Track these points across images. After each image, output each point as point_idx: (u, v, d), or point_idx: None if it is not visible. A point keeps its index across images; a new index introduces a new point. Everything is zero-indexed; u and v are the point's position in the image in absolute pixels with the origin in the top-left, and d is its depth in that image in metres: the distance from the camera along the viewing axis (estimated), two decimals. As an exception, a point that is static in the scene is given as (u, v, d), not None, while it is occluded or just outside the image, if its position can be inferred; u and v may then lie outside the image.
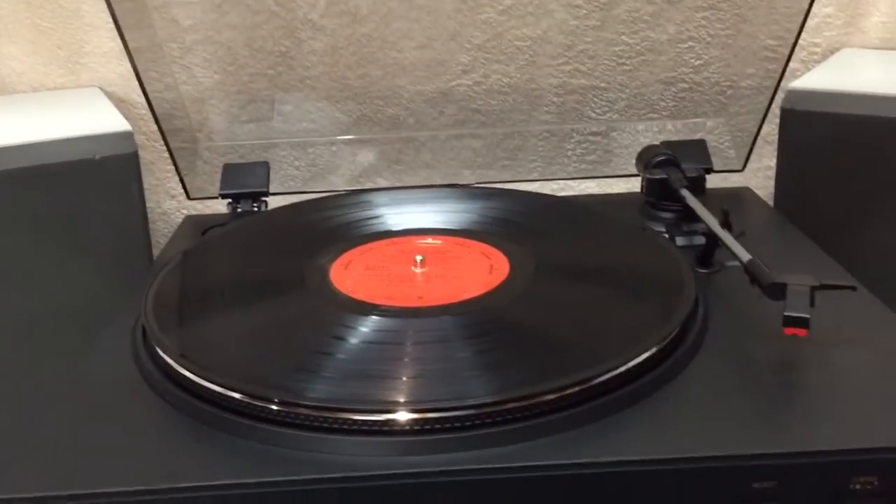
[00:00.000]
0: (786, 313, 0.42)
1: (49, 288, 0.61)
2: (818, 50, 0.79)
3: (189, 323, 0.49)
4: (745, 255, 0.48)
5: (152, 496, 0.37)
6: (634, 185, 0.84)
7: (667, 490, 0.38)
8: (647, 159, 0.64)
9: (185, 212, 0.83)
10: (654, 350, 0.43)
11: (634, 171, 0.77)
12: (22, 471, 0.38)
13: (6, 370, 0.61)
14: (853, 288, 0.46)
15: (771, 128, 0.76)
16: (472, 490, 0.37)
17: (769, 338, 0.46)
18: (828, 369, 0.44)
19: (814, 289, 0.43)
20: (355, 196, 0.65)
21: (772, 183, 0.79)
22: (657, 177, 0.62)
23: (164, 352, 0.44)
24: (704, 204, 0.61)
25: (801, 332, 0.42)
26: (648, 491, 0.38)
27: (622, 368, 0.41)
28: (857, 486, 0.38)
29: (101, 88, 0.76)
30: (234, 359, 0.45)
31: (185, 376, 0.43)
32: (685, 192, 0.59)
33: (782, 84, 0.70)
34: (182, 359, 0.43)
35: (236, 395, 0.41)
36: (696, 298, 0.48)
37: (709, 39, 0.76)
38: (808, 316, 0.42)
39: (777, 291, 0.44)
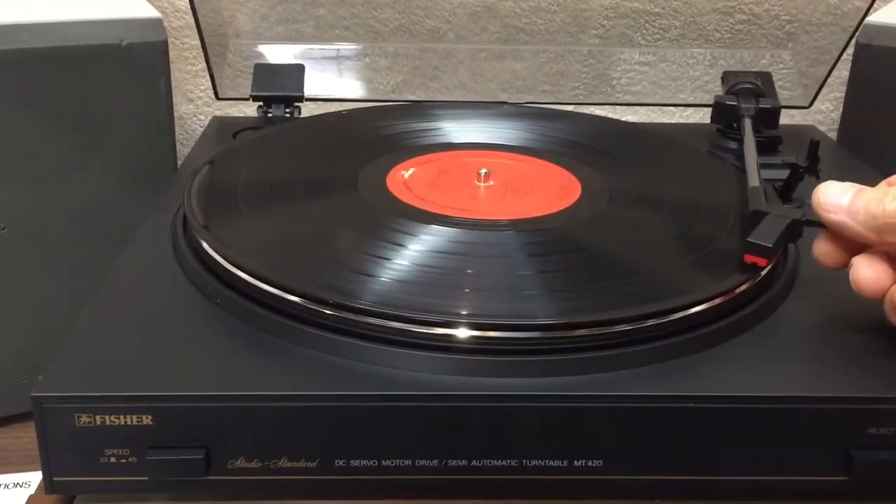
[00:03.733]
0: (748, 239, 0.39)
1: (65, 184, 0.56)
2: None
3: (235, 222, 0.44)
4: (755, 181, 0.45)
5: (201, 402, 0.33)
6: (677, 117, 0.81)
7: (772, 430, 0.34)
8: (733, 83, 0.59)
9: (202, 118, 0.78)
10: (746, 286, 0.39)
11: (680, 102, 0.74)
12: (75, 370, 0.34)
13: (22, 271, 0.56)
14: None
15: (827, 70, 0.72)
16: (558, 418, 0.34)
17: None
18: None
19: (794, 222, 0.40)
20: (409, 108, 0.60)
21: (825, 128, 0.76)
22: (728, 101, 0.57)
23: (215, 250, 0.40)
24: (780, 138, 0.57)
25: (762, 261, 0.39)
26: (753, 430, 0.34)
27: (705, 305, 0.38)
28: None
29: (121, -24, 0.70)
30: (286, 259, 0.41)
31: (238, 276, 0.38)
32: (747, 122, 0.55)
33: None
34: (238, 258, 0.39)
35: (292, 298, 0.37)
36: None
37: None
38: (769, 245, 0.39)
39: (756, 219, 0.41)
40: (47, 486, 0.34)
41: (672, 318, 0.36)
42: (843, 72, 0.72)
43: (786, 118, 0.76)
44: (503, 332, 0.35)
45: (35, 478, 0.51)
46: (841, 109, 0.72)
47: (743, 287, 0.38)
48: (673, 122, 0.81)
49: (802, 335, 0.39)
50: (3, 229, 0.55)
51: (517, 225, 0.43)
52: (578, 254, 0.42)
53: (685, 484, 0.35)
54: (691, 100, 0.77)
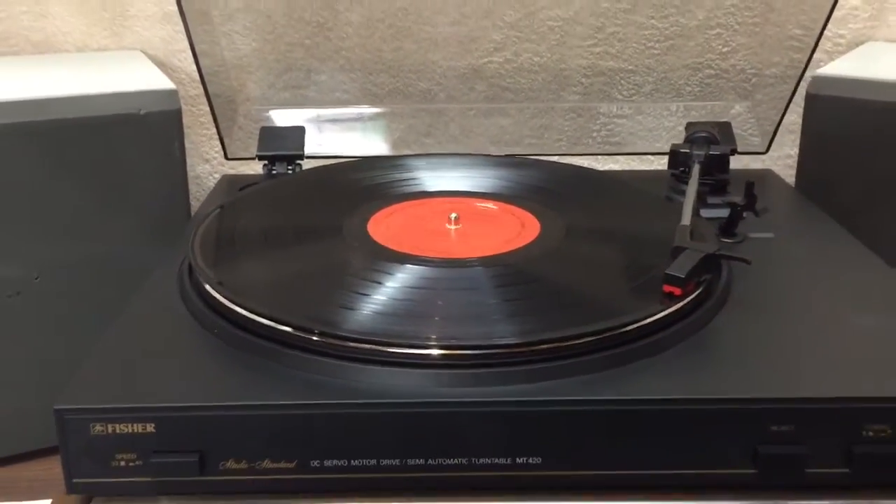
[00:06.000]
0: (666, 271, 0.45)
1: (93, 236, 0.63)
2: (843, 41, 0.81)
3: (233, 263, 0.51)
4: (686, 220, 0.50)
5: (197, 412, 0.39)
6: (656, 165, 0.86)
7: (691, 428, 0.40)
8: (690, 133, 0.66)
9: (217, 176, 0.85)
10: (674, 307, 0.44)
11: (656, 151, 0.79)
12: (91, 387, 0.41)
13: (53, 317, 0.63)
14: (747, 261, 0.48)
15: (793, 117, 0.78)
16: (505, 421, 0.39)
17: (789, 300, 0.49)
18: (847, 329, 0.46)
19: (707, 256, 0.46)
20: (391, 159, 0.67)
21: (793, 171, 0.81)
22: (682, 150, 0.63)
23: (213, 289, 0.46)
24: (728, 181, 0.63)
25: (677, 290, 0.45)
26: (675, 429, 0.40)
27: (639, 323, 0.43)
28: (870, 433, 0.39)
29: (142, 51, 0.79)
30: (278, 295, 0.47)
31: (233, 310, 0.45)
32: (695, 167, 0.61)
33: (808, 71, 0.72)
34: (231, 293, 0.45)
35: (284, 328, 0.43)
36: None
37: (736, 27, 0.77)
38: (682, 275, 0.44)
39: (675, 253, 0.46)
40: (68, 486, 0.40)
41: (603, 336, 0.42)
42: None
43: (757, 163, 0.82)
44: (451, 350, 0.41)
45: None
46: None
47: (664, 312, 0.44)
48: (651, 168, 0.87)
49: (721, 347, 0.44)
50: (37, 278, 0.62)
51: (480, 262, 0.49)
52: (531, 285, 0.48)
53: (614, 478, 0.40)
54: (666, 148, 0.83)
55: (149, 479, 0.40)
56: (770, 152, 0.83)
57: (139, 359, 0.43)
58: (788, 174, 0.81)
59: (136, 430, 0.39)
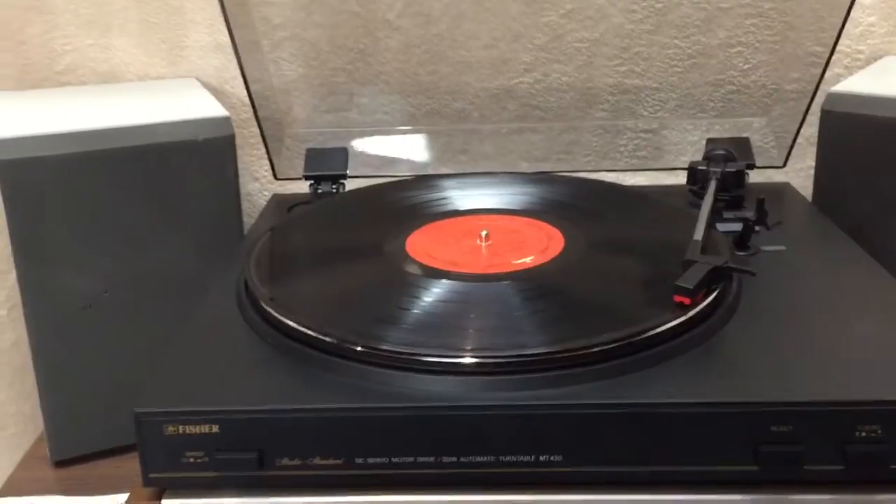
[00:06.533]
0: (676, 283, 0.49)
1: (153, 254, 0.69)
2: (862, 57, 0.84)
3: (284, 280, 0.56)
4: (698, 235, 0.54)
5: (255, 415, 0.45)
6: (681, 178, 0.90)
7: (698, 429, 0.44)
8: (708, 150, 0.69)
9: (266, 193, 0.91)
10: (683, 317, 0.49)
11: (681, 164, 0.83)
12: (164, 392, 0.46)
13: (121, 327, 0.69)
14: (752, 273, 0.52)
15: (813, 130, 0.81)
16: (528, 424, 0.44)
17: (794, 310, 0.52)
18: (846, 337, 0.49)
19: (715, 269, 0.50)
20: (427, 179, 0.72)
21: (812, 182, 0.85)
22: (700, 167, 0.67)
23: (266, 305, 0.51)
24: (743, 197, 0.67)
25: (686, 300, 0.49)
26: (683, 429, 0.44)
27: (651, 332, 0.47)
28: (863, 433, 0.43)
29: (197, 79, 0.85)
30: (325, 310, 0.52)
31: (285, 323, 0.50)
32: (712, 184, 0.65)
33: (826, 87, 0.75)
34: (283, 309, 0.50)
35: (331, 340, 0.48)
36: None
37: (756, 45, 0.81)
38: (691, 287, 0.48)
39: (686, 266, 0.50)
40: (145, 480, 0.46)
41: (617, 345, 0.46)
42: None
43: (781, 175, 0.85)
44: (480, 359, 0.46)
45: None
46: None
47: (674, 322, 0.48)
48: (677, 182, 0.90)
49: (728, 354, 0.48)
50: (106, 292, 0.68)
51: (508, 276, 0.54)
52: (555, 297, 0.53)
53: (628, 474, 0.45)
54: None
55: (214, 474, 0.45)
56: (795, 164, 0.86)
57: (204, 367, 0.49)
58: (809, 185, 0.84)
59: (202, 431, 0.45)
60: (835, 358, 0.47)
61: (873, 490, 0.44)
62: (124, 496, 0.66)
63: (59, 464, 0.71)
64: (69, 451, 0.71)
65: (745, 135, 0.81)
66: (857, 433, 0.43)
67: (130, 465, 0.46)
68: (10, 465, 0.77)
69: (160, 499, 0.46)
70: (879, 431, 0.43)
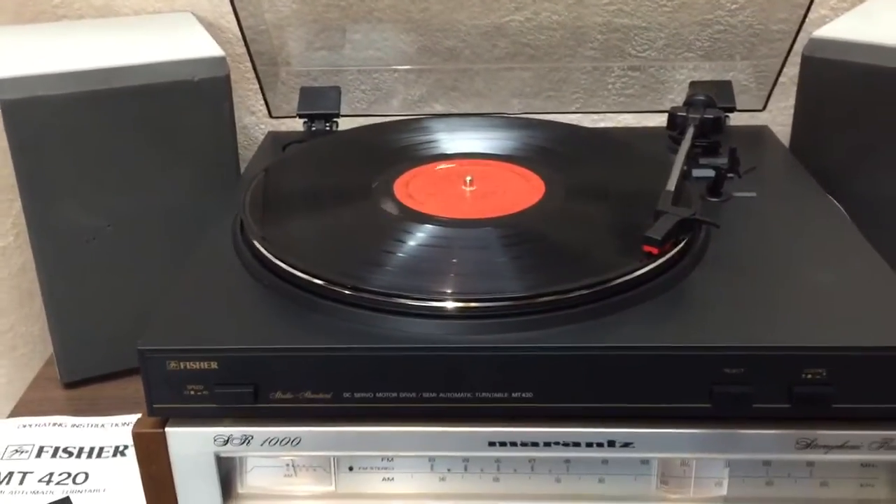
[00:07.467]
0: (645, 234, 0.52)
1: (153, 191, 0.72)
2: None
3: (278, 222, 0.59)
4: (671, 186, 0.56)
5: (251, 353, 0.48)
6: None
7: (657, 370, 0.48)
8: (689, 95, 0.72)
9: (263, 127, 0.93)
10: (653, 264, 0.52)
11: (669, 104, 0.85)
12: (166, 330, 0.50)
13: (123, 259, 0.72)
14: (717, 226, 0.55)
15: (797, 71, 0.83)
16: (502, 364, 0.48)
17: (758, 258, 0.56)
18: (802, 284, 0.53)
19: (683, 220, 0.53)
20: (416, 122, 0.74)
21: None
22: (679, 113, 0.70)
23: (262, 246, 0.55)
24: (721, 141, 0.69)
25: (654, 250, 0.52)
26: (644, 370, 0.48)
27: (619, 280, 0.50)
28: (809, 376, 0.47)
29: (193, 13, 0.86)
30: (316, 252, 0.55)
31: (279, 265, 0.53)
32: (689, 130, 0.67)
33: (810, 30, 0.77)
34: (277, 251, 0.54)
35: (321, 282, 0.51)
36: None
37: (745, -17, 0.82)
38: (658, 238, 0.51)
39: (657, 216, 0.53)
40: (149, 410, 0.50)
41: (584, 292, 0.50)
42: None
43: (759, 120, 0.87)
44: (460, 303, 0.49)
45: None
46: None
47: (641, 271, 0.51)
48: (664, 122, 0.92)
49: (690, 301, 0.51)
50: (109, 226, 0.72)
51: (489, 223, 0.57)
52: (532, 244, 0.56)
53: (593, 410, 0.49)
54: (678, 101, 0.89)
55: (213, 405, 0.49)
56: (779, 102, 0.88)
57: (203, 306, 0.52)
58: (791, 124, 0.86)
59: (202, 367, 0.48)
60: (788, 305, 0.51)
61: (817, 427, 0.49)
62: (132, 417, 0.71)
63: (69, 385, 0.76)
64: (78, 373, 0.76)
65: (728, 77, 0.83)
66: (803, 375, 0.47)
67: (136, 386, 0.50)
68: (22, 383, 0.82)
69: (163, 427, 0.50)
70: (824, 374, 0.47)
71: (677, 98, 0.89)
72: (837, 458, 0.49)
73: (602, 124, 0.93)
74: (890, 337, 0.47)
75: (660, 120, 0.91)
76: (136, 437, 0.50)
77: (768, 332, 0.48)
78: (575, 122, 0.85)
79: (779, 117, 0.90)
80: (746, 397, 0.47)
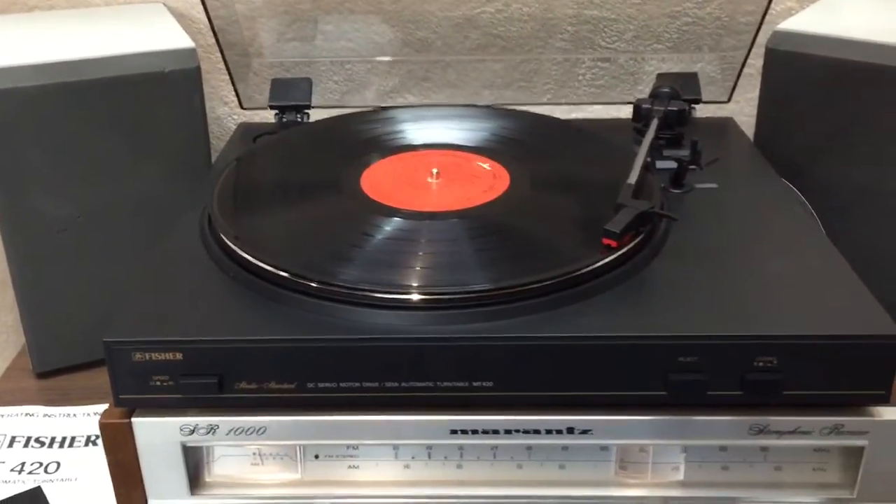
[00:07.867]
0: (605, 227, 0.53)
1: (124, 182, 0.72)
2: (813, -9, 0.86)
3: (246, 215, 0.60)
4: (632, 178, 0.57)
5: (216, 345, 0.49)
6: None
7: (614, 359, 0.49)
8: (655, 87, 0.73)
9: (236, 117, 0.93)
10: (612, 256, 0.53)
11: (638, 95, 0.86)
12: (131, 323, 0.51)
13: (94, 250, 0.73)
14: (675, 219, 0.56)
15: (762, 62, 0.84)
16: (463, 353, 0.49)
17: (716, 248, 0.57)
18: (757, 274, 0.54)
19: (642, 213, 0.54)
20: (384, 112, 0.75)
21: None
22: (644, 105, 0.71)
23: (229, 239, 0.55)
24: (686, 133, 0.70)
25: (613, 243, 0.53)
26: (602, 359, 0.49)
27: (578, 272, 0.51)
28: (760, 364, 0.48)
29: (164, 4, 0.86)
30: (283, 245, 0.56)
31: (244, 258, 0.54)
32: (653, 123, 0.68)
33: (775, 23, 0.78)
34: (242, 244, 0.54)
35: (285, 274, 0.52)
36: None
37: (713, -25, 0.83)
38: (617, 231, 0.52)
39: (617, 209, 0.54)
40: (116, 401, 0.51)
41: (547, 284, 0.51)
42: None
43: (726, 111, 0.88)
44: (423, 296, 0.50)
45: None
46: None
47: (599, 263, 0.52)
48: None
49: (646, 292, 0.52)
50: (79, 217, 0.72)
51: (454, 215, 0.58)
52: (495, 237, 0.57)
53: (552, 398, 0.50)
54: (647, 93, 0.90)
55: (178, 396, 0.50)
56: (745, 94, 0.89)
57: (169, 298, 0.53)
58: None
59: (167, 358, 0.49)
60: (742, 295, 0.52)
61: (769, 413, 0.50)
62: (103, 407, 0.71)
63: (41, 375, 0.76)
64: (50, 363, 0.76)
65: (696, 68, 0.84)
66: (754, 363, 0.48)
67: (107, 377, 0.51)
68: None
69: (130, 417, 0.51)
70: (775, 362, 0.48)
71: (647, 89, 0.89)
72: (790, 444, 0.51)
73: (573, 115, 0.94)
74: (838, 325, 0.49)
75: (630, 111, 0.93)
76: (103, 427, 0.51)
77: (721, 321, 0.50)
78: (546, 113, 0.86)
79: (746, 108, 0.91)
80: (700, 385, 0.49)
